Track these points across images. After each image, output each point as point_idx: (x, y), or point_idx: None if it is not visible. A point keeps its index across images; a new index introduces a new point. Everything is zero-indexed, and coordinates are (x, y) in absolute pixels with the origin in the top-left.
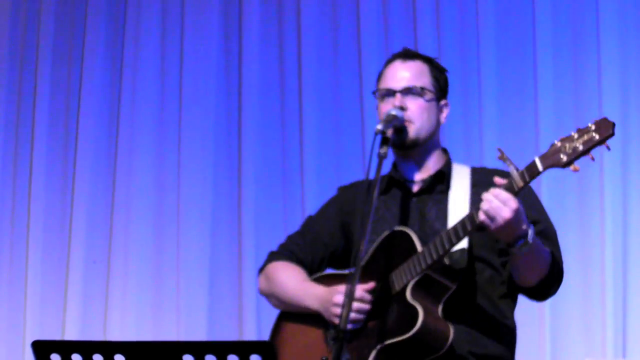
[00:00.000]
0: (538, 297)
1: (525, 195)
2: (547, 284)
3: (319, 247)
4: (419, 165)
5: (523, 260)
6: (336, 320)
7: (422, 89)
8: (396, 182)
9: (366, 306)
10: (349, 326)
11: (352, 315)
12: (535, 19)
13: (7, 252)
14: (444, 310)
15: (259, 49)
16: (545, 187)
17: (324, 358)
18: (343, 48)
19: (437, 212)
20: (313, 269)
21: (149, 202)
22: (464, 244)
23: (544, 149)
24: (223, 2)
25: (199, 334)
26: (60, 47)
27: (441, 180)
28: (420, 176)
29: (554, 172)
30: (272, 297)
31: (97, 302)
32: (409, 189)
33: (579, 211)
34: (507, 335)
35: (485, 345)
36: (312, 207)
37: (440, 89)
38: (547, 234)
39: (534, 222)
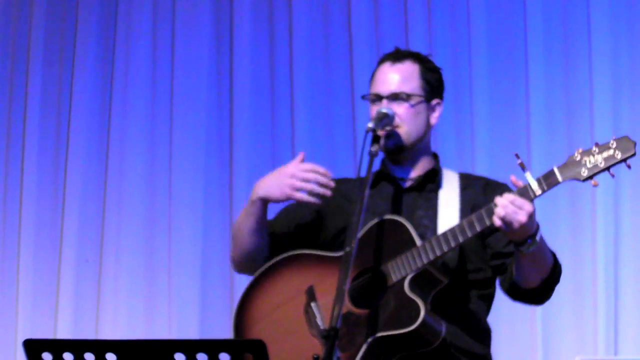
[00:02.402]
0: (537, 300)
1: None
2: (548, 285)
3: (288, 216)
4: (410, 166)
5: (529, 259)
6: (290, 192)
7: (408, 95)
8: (385, 177)
9: (321, 178)
10: (297, 195)
11: (308, 186)
12: (527, 19)
13: None
14: (433, 302)
15: (250, 47)
16: None
17: (315, 357)
18: (334, 46)
19: (426, 209)
20: (278, 235)
21: (140, 200)
22: None
23: (535, 149)
24: (214, 1)
25: (191, 333)
26: (52, 46)
27: (432, 180)
28: (410, 175)
29: (544, 170)
30: (234, 249)
31: (89, 300)
32: (399, 185)
33: (571, 209)
34: (483, 334)
35: (465, 340)
36: None
37: (432, 89)
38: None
39: None
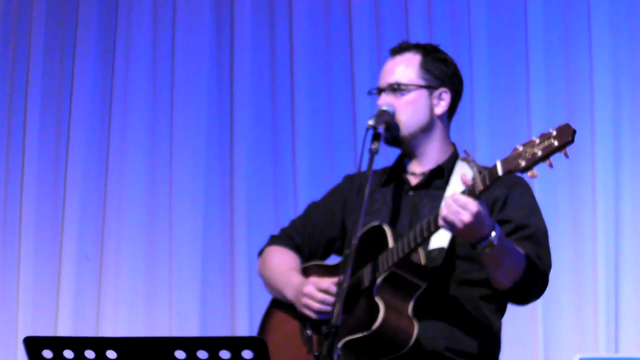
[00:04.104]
0: (516, 300)
1: (518, 196)
2: (523, 287)
3: (318, 235)
4: (418, 159)
5: (489, 261)
6: (305, 311)
7: (401, 84)
8: (396, 174)
9: (330, 298)
10: (316, 317)
11: (317, 305)
12: (527, 13)
13: None
14: (420, 307)
15: (251, 42)
16: (537, 184)
17: (316, 354)
18: (335, 43)
19: (431, 207)
20: (312, 257)
21: (141, 197)
22: (443, 243)
23: None
24: None
25: (191, 330)
26: (52, 42)
27: (440, 176)
28: (420, 169)
29: (545, 168)
30: (264, 280)
31: (90, 298)
32: (408, 182)
33: (570, 207)
34: (487, 336)
35: (464, 342)
36: (304, 202)
37: (436, 78)
38: (536, 238)
39: (522, 227)
